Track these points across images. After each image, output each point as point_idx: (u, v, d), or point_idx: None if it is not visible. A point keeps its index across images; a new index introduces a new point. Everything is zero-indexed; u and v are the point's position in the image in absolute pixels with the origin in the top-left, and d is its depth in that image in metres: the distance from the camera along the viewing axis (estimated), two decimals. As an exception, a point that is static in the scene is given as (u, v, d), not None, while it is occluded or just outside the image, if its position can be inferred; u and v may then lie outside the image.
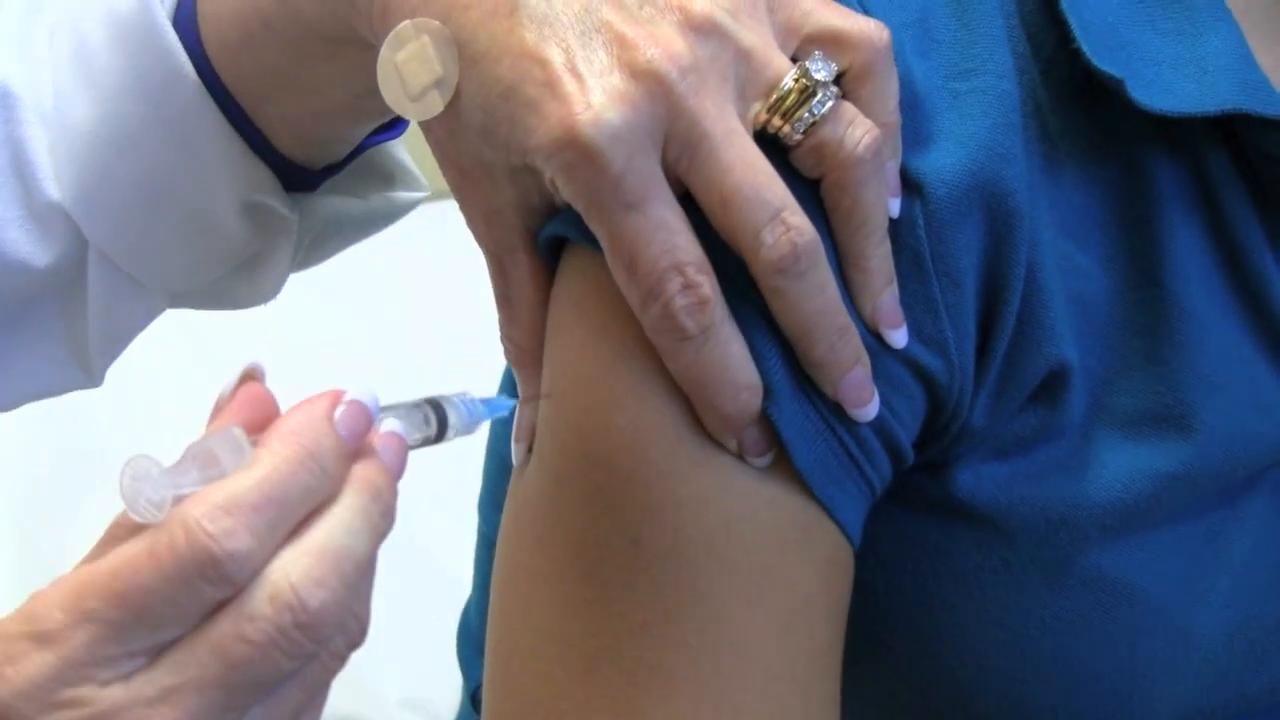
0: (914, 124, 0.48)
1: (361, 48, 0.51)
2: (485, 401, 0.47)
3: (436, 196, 0.65)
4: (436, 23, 0.46)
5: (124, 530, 0.39)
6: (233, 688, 0.38)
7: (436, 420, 0.45)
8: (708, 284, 0.44)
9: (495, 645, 0.50)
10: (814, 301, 0.45)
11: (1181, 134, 0.51)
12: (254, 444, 0.40)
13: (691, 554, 0.46)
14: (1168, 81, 0.50)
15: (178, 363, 1.24)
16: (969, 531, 0.51)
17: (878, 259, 0.47)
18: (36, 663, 0.36)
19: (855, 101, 0.46)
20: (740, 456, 0.46)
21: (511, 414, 0.50)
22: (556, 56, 0.44)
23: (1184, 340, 0.52)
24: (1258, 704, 0.57)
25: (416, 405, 0.45)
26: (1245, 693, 0.56)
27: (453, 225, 0.52)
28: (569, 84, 0.43)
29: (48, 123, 0.58)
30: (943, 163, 0.48)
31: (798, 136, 0.46)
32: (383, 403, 0.43)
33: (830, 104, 0.45)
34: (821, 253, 0.45)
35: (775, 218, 0.44)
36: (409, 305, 1.43)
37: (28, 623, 0.37)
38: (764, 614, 0.46)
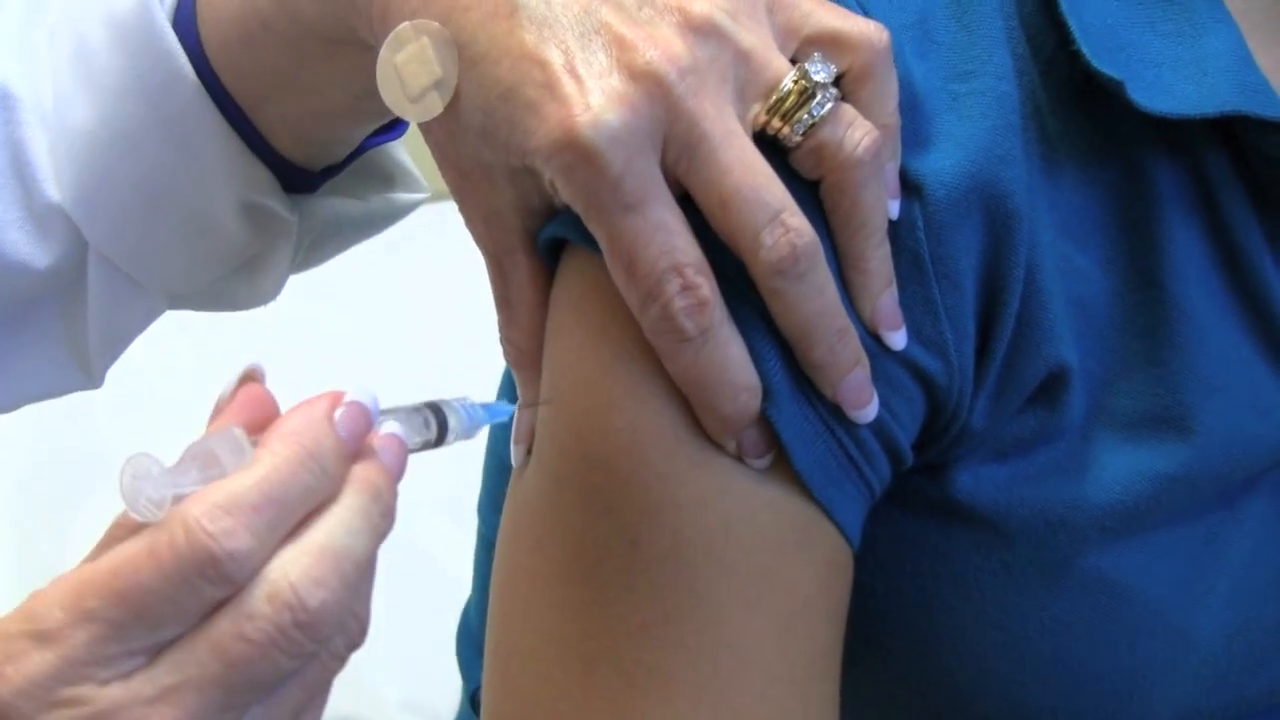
0: (913, 125, 0.48)
1: (361, 49, 0.51)
2: (485, 406, 0.47)
3: (436, 198, 0.64)
4: (436, 24, 0.46)
5: (124, 530, 0.39)
6: (232, 687, 0.38)
7: (436, 424, 0.45)
8: (707, 285, 0.44)
9: (494, 646, 0.50)
10: (813, 303, 0.45)
11: (1181, 136, 0.51)
12: (254, 444, 0.40)
13: (690, 556, 0.46)
14: (1167, 83, 0.50)
15: (178, 363, 1.24)
16: (968, 533, 0.51)
17: (877, 261, 0.47)
18: (36, 661, 0.36)
19: (855, 103, 0.46)
20: (739, 458, 0.46)
21: (511, 418, 0.50)
22: (556, 58, 0.44)
23: (1183, 342, 0.52)
24: (1257, 706, 0.57)
25: (417, 409, 0.45)
26: (1244, 694, 0.56)
27: (452, 227, 0.52)
28: (568, 85, 0.43)
29: (48, 124, 0.58)
30: (942, 164, 0.48)
31: (797, 138, 0.46)
32: (383, 404, 0.43)
33: (830, 105, 0.45)
34: (821, 254, 0.45)
35: (774, 219, 0.44)
36: (409, 307, 1.43)
37: (28, 621, 0.37)
38: (763, 616, 0.46)
